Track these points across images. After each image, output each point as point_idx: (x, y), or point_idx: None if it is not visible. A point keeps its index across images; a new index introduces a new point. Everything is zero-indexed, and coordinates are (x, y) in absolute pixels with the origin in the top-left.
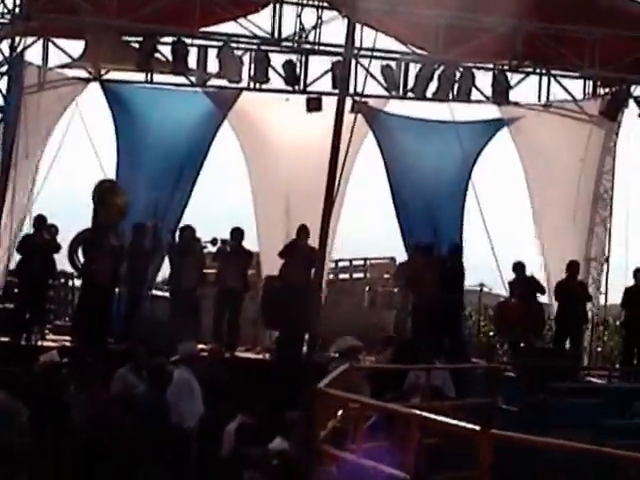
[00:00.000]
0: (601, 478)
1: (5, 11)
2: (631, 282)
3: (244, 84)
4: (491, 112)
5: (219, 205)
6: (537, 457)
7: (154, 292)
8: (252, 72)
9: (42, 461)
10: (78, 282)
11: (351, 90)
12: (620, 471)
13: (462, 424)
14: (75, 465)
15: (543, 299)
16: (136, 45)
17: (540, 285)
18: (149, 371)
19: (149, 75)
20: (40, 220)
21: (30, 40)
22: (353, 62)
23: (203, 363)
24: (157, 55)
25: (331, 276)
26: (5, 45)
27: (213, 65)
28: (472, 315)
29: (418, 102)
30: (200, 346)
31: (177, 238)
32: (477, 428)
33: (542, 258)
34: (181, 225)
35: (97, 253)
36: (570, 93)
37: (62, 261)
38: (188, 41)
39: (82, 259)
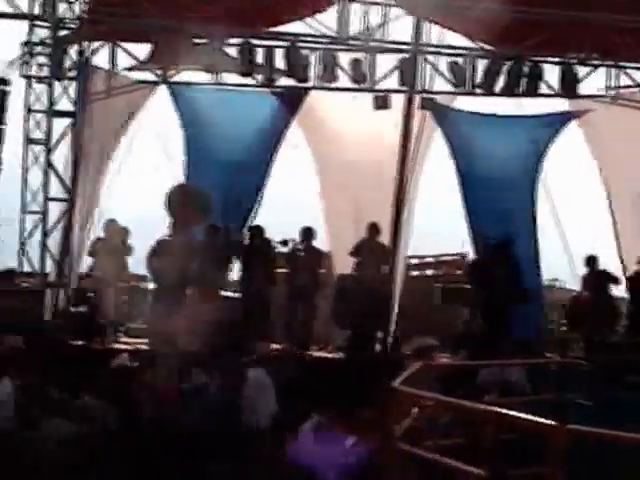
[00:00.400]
0: None
1: (72, 16)
2: None
3: (311, 83)
4: (559, 106)
5: (289, 205)
6: (614, 453)
7: (226, 293)
8: (319, 71)
9: (122, 460)
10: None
11: (418, 87)
12: None
13: (538, 420)
14: (148, 465)
15: (619, 292)
16: (203, 46)
17: (614, 277)
18: (222, 371)
19: (217, 76)
20: (111, 223)
21: (97, 44)
22: (420, 59)
23: (277, 362)
24: (224, 56)
25: (403, 274)
26: (72, 51)
27: (280, 65)
28: (546, 310)
29: (486, 97)
30: (273, 346)
31: (247, 239)
32: (553, 424)
33: (618, 251)
34: (249, 225)
35: (170, 255)
36: (639, 84)
37: (136, 264)
38: (255, 42)
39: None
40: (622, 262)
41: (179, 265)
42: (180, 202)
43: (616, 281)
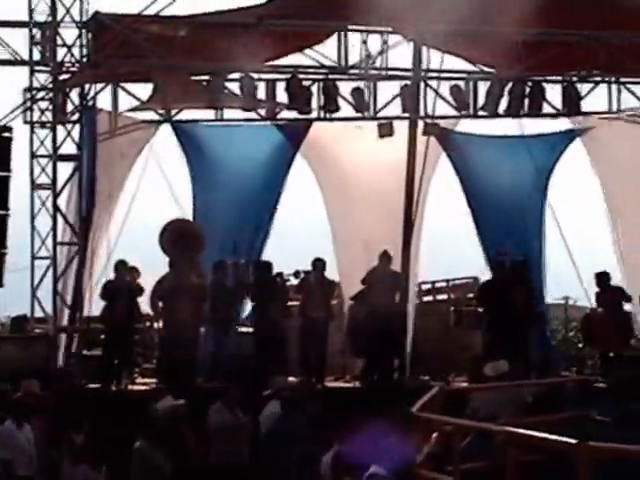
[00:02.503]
0: None
1: (73, 60)
2: None
3: (314, 114)
4: (562, 124)
5: (298, 237)
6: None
7: (240, 329)
8: (321, 102)
9: None
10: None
11: (421, 113)
12: None
13: (558, 438)
14: None
15: (628, 307)
16: (205, 83)
17: (626, 294)
18: (244, 408)
19: (219, 112)
20: (121, 264)
21: (99, 87)
22: (421, 85)
23: (295, 396)
24: (226, 92)
25: (416, 300)
26: (74, 93)
27: (282, 98)
28: (559, 328)
29: (488, 120)
30: (290, 379)
31: (257, 274)
32: (574, 441)
33: (622, 267)
34: (256, 261)
35: (178, 293)
36: None
37: (146, 304)
38: (256, 76)
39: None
40: (627, 278)
41: (188, 304)
42: (171, 240)
43: (628, 298)
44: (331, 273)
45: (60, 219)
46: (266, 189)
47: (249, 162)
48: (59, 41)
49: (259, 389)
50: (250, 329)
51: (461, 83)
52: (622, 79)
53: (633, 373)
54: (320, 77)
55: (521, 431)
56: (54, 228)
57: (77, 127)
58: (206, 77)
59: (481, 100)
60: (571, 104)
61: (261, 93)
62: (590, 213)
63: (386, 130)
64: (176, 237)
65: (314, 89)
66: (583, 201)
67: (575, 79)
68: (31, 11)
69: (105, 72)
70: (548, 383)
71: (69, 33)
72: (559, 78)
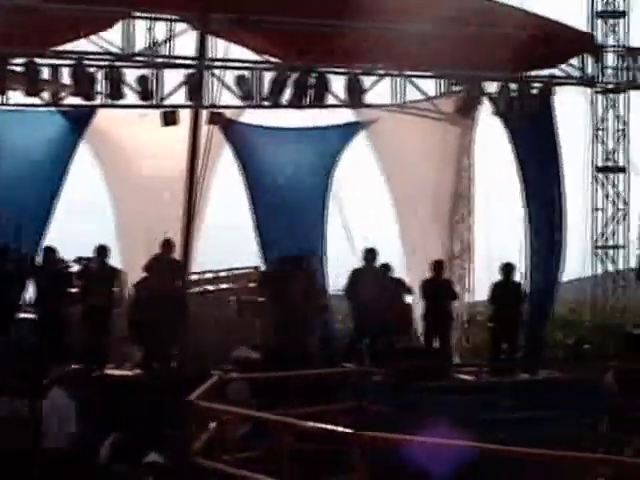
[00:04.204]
0: (478, 473)
1: None
2: (496, 278)
3: (99, 101)
4: (348, 116)
5: (82, 224)
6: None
7: (20, 315)
8: (106, 89)
9: None
10: None
11: (206, 102)
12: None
13: (334, 428)
14: None
15: (410, 299)
16: None
17: (407, 286)
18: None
19: (4, 97)
20: None
21: None
22: (207, 74)
23: (75, 383)
24: (9, 74)
25: (197, 288)
26: None
27: (67, 84)
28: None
29: (275, 110)
30: (71, 366)
31: (40, 259)
32: (350, 431)
33: (407, 258)
34: (43, 246)
35: None
36: (424, 92)
37: None
38: (40, 61)
39: None
40: (411, 270)
41: None
42: None
43: (409, 291)
44: (115, 260)
45: None
46: (49, 174)
47: (32, 147)
48: None
49: (40, 376)
50: (31, 315)
51: (246, 73)
52: (406, 72)
53: (410, 364)
54: (105, 64)
55: (297, 421)
56: None
57: None
58: None
59: (266, 90)
60: (355, 96)
61: (45, 78)
62: (376, 205)
63: (170, 118)
64: None
65: (99, 76)
66: (369, 193)
67: (359, 72)
68: None
69: None
70: (326, 373)
71: None
72: (344, 70)
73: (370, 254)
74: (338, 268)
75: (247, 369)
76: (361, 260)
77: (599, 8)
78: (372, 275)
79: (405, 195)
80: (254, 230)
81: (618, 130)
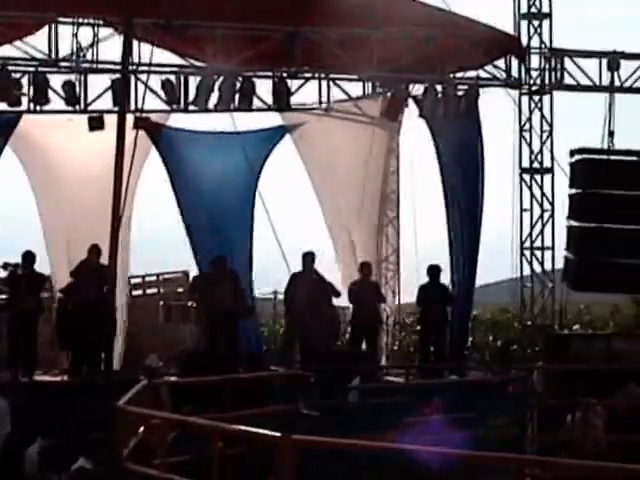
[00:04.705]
0: (404, 475)
1: None
2: (423, 280)
3: (24, 107)
4: (274, 120)
5: (7, 230)
6: (342, 459)
7: None
8: (31, 94)
9: None
10: None
11: (132, 106)
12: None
13: (263, 432)
14: None
15: (339, 302)
16: None
17: (335, 290)
18: None
19: None
20: None
21: None
22: (132, 78)
23: (3, 389)
24: None
25: (126, 294)
26: None
27: None
28: (269, 322)
29: (201, 114)
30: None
31: None
32: (278, 435)
33: (336, 261)
34: None
35: None
36: (350, 95)
37: None
38: None
39: None
40: (340, 272)
41: None
42: None
43: (337, 293)
44: (41, 266)
45: None
46: None
47: None
48: None
49: None
50: None
51: (172, 77)
52: (332, 75)
53: (338, 367)
54: (30, 69)
55: (226, 425)
56: None
57: None
58: None
59: (192, 94)
60: (281, 100)
61: None
62: (302, 208)
63: (96, 123)
64: None
65: (24, 81)
66: (296, 197)
67: (285, 75)
68: None
69: None
70: (257, 377)
71: None
72: (270, 74)
73: (308, 257)
74: (263, 271)
75: (151, 377)
76: (301, 264)
77: (524, 10)
78: (310, 280)
79: (332, 198)
80: (185, 233)
81: (544, 131)
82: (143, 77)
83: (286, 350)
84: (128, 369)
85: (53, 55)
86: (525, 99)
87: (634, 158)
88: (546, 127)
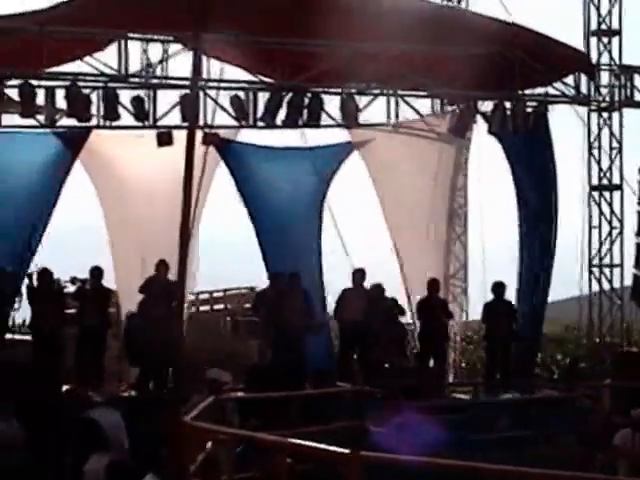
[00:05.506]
0: None
1: None
2: (489, 297)
3: (94, 122)
4: (342, 136)
5: (76, 245)
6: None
7: (15, 336)
8: (101, 110)
9: None
10: None
11: (201, 122)
12: None
13: (331, 448)
14: None
15: (405, 319)
16: None
17: (400, 307)
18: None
19: None
20: None
21: None
22: (201, 94)
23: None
24: (5, 98)
25: (192, 309)
26: None
27: (62, 105)
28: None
29: (268, 130)
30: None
31: (35, 281)
32: (346, 451)
33: (402, 277)
34: (38, 268)
35: None
36: (418, 112)
37: None
38: (35, 82)
39: None
40: (406, 289)
41: None
42: None
43: (402, 311)
44: (109, 281)
45: None
46: (41, 196)
47: (25, 169)
48: None
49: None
50: (26, 337)
51: (241, 93)
52: (400, 92)
53: (405, 383)
54: (100, 85)
55: (293, 440)
56: None
57: None
58: None
59: (261, 110)
60: (349, 116)
61: (40, 100)
62: (371, 225)
63: (165, 139)
64: None
65: (94, 97)
66: (364, 213)
67: (354, 91)
68: None
69: None
70: (324, 393)
71: None
72: (338, 90)
73: (359, 274)
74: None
75: (215, 391)
76: (351, 280)
77: (594, 26)
78: (360, 295)
79: (400, 215)
80: (259, 247)
81: (613, 148)
82: (212, 93)
83: (342, 364)
84: (189, 384)
85: (123, 71)
86: (594, 116)
87: None
88: (615, 144)
